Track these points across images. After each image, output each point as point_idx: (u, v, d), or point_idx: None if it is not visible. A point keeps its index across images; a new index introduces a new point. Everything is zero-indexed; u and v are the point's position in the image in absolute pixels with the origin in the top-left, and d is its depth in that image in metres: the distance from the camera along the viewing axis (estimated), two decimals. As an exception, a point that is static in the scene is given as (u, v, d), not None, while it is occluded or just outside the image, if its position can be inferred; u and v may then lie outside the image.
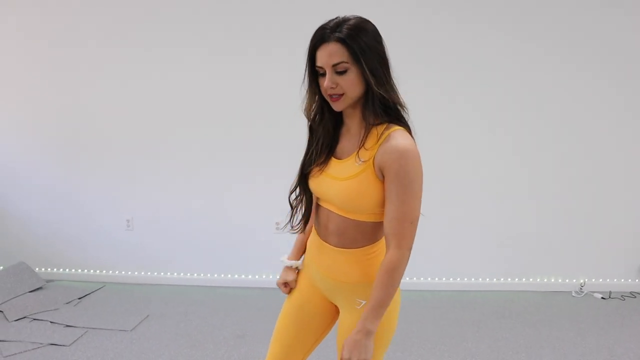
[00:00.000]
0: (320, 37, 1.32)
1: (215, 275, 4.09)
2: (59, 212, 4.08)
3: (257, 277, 4.07)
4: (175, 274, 4.12)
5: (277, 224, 3.94)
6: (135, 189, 4.02)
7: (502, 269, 3.93)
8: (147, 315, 3.47)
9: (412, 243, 1.36)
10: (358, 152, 1.39)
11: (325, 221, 1.52)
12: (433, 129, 3.56)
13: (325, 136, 1.47)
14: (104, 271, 4.17)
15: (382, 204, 1.38)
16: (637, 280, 3.88)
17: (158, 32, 3.77)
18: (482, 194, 3.80)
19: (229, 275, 4.09)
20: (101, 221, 4.08)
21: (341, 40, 1.28)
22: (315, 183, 1.50)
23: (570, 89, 3.66)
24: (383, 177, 1.35)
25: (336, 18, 1.33)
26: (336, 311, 1.64)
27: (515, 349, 3.01)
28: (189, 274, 4.11)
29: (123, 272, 4.15)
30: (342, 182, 1.39)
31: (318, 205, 1.57)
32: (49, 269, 4.18)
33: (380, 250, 1.49)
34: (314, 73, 1.39)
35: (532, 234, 3.85)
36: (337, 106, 1.38)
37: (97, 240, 4.12)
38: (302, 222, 1.60)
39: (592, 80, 3.64)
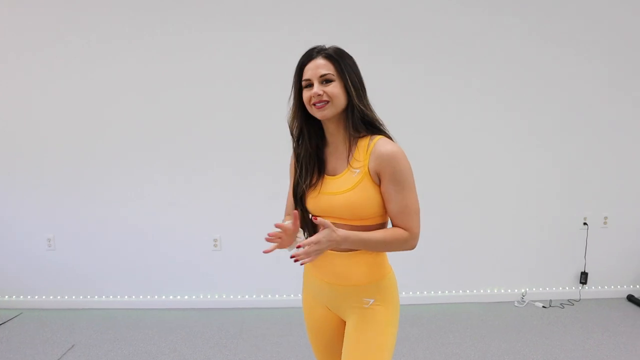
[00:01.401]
0: (309, 55, 1.51)
1: (148, 297, 3.81)
2: (-33, 232, 3.68)
3: (194, 297, 3.82)
4: (104, 296, 3.80)
5: (215, 240, 3.73)
6: (58, 204, 3.68)
7: (445, 281, 3.92)
8: (73, 345, 3.16)
9: (419, 230, 1.52)
10: (350, 164, 1.52)
11: None
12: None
13: (309, 157, 1.60)
14: (21, 296, 3.80)
15: (383, 204, 1.52)
16: (573, 288, 3.98)
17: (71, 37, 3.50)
18: (423, 207, 3.74)
19: (164, 297, 3.82)
20: (18, 240, 3.72)
21: (328, 56, 1.49)
22: (314, 203, 1.58)
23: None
24: (379, 180, 1.49)
25: (321, 45, 1.53)
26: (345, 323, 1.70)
27: (466, 364, 2.96)
28: (118, 297, 3.81)
29: (44, 297, 3.80)
30: (342, 194, 1.50)
31: None
32: (-44, 296, 3.77)
33: None
34: (299, 94, 1.54)
35: (473, 246, 3.87)
36: (322, 114, 1.49)
37: (13, 262, 3.76)
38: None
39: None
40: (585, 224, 3.88)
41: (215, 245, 3.76)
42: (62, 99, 3.57)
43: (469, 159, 3.76)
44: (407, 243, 1.51)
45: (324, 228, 1.38)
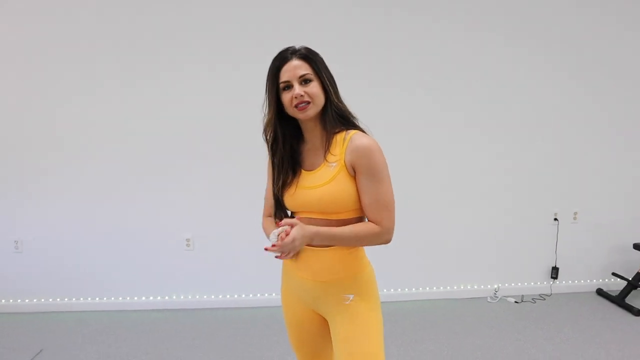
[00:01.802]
0: (284, 57, 1.51)
1: (120, 299, 3.75)
2: None
3: (166, 298, 3.77)
4: (74, 299, 3.73)
5: (188, 240, 3.69)
6: (25, 205, 3.60)
7: (418, 278, 3.94)
8: (41, 350, 3.08)
9: (391, 225, 1.53)
10: (326, 159, 1.54)
11: None
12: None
13: (282, 159, 1.60)
14: (-12, 300, 3.70)
15: (359, 198, 1.53)
16: (545, 283, 4.04)
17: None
18: (398, 205, 3.75)
19: (135, 298, 3.76)
20: (-17, 243, 3.61)
21: (303, 57, 1.51)
22: (292, 199, 1.59)
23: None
24: (355, 173, 1.51)
25: (292, 46, 1.53)
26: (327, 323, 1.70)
27: (440, 360, 2.98)
28: (89, 299, 3.74)
29: (11, 301, 3.71)
30: (320, 187, 1.52)
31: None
32: None
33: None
34: (277, 97, 1.54)
35: (446, 243, 3.89)
36: (305, 114, 1.51)
37: (-22, 266, 3.64)
38: None
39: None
40: (555, 219, 3.94)
41: (187, 245, 3.71)
42: (26, 99, 3.49)
43: (441, 156, 3.78)
44: (380, 237, 1.52)
45: (293, 227, 1.41)
